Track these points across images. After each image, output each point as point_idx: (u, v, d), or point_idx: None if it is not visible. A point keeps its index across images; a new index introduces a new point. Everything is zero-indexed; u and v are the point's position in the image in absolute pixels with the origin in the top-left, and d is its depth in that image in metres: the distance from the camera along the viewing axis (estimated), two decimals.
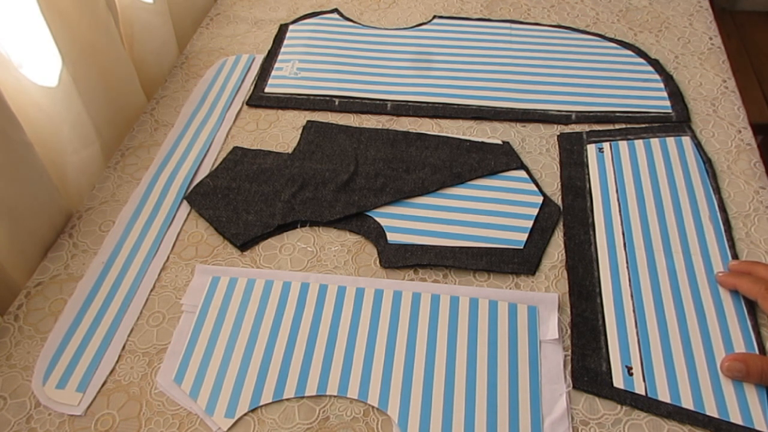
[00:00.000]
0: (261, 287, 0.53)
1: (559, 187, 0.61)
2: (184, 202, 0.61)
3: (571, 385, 0.46)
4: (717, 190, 0.59)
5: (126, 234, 0.58)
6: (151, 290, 0.54)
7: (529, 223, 0.57)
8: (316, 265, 0.55)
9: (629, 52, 0.76)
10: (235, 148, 0.66)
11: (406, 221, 0.58)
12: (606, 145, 0.64)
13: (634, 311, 0.50)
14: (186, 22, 0.87)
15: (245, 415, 0.45)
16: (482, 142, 0.65)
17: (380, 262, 0.55)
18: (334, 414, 0.45)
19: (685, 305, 0.50)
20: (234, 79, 0.75)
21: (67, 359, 0.49)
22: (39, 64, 0.55)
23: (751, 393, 0.45)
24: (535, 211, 0.58)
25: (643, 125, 0.67)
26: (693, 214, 0.57)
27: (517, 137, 0.66)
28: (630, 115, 0.68)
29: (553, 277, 0.53)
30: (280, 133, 0.68)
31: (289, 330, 0.50)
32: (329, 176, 0.62)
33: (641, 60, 0.75)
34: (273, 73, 0.76)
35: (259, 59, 0.78)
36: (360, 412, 0.45)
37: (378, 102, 0.71)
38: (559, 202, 0.59)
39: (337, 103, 0.71)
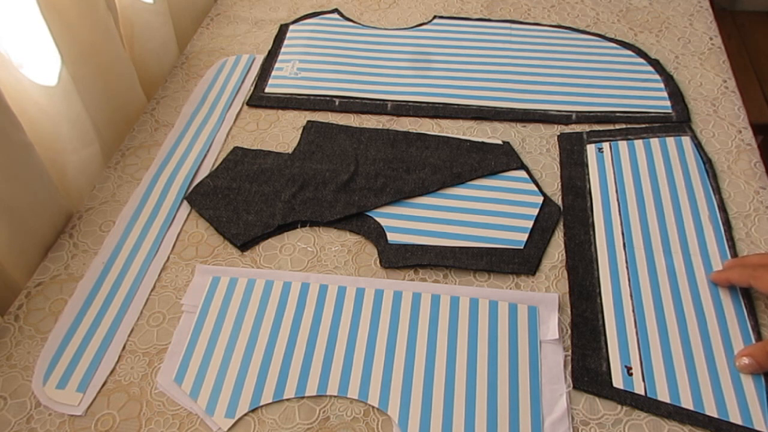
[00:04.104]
0: (261, 287, 0.53)
1: (559, 187, 0.61)
2: (185, 202, 0.61)
3: (572, 385, 0.46)
4: (717, 190, 0.59)
5: (126, 234, 0.58)
6: (152, 290, 0.54)
7: (530, 223, 0.57)
8: (316, 265, 0.55)
9: (629, 52, 0.76)
10: (236, 148, 0.66)
11: (406, 221, 0.58)
12: (606, 145, 0.64)
13: (633, 311, 0.50)
14: (186, 22, 0.87)
15: (245, 415, 0.45)
16: (482, 142, 0.65)
17: (380, 262, 0.55)
18: (334, 414, 0.45)
19: (685, 305, 0.50)
20: (234, 79, 0.75)
21: (67, 359, 0.49)
22: (39, 64, 0.55)
23: (751, 393, 0.45)
24: (535, 211, 0.58)
25: (644, 125, 0.67)
26: (693, 214, 0.57)
27: (518, 137, 0.66)
28: (630, 115, 0.68)
29: (553, 277, 0.53)
30: (281, 133, 0.68)
31: (289, 330, 0.50)
32: (329, 176, 0.62)
33: (641, 60, 0.75)
34: (273, 73, 0.76)
35: (260, 59, 0.78)
36: (360, 412, 0.46)
37: (378, 102, 0.71)
38: (559, 202, 0.59)
39: (337, 103, 0.71)
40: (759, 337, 0.48)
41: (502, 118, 0.68)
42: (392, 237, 0.56)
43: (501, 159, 0.63)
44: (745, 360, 0.46)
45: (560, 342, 0.49)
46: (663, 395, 0.45)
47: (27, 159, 0.54)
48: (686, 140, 0.64)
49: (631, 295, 0.51)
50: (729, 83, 0.71)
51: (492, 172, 0.62)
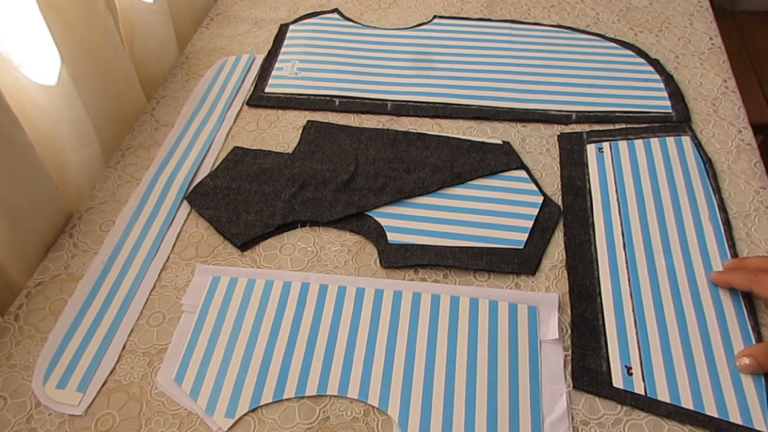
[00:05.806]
0: (261, 287, 0.53)
1: (559, 187, 0.61)
2: (185, 202, 0.61)
3: (572, 385, 0.46)
4: (717, 190, 0.59)
5: (126, 234, 0.58)
6: (152, 290, 0.54)
7: (530, 223, 0.57)
8: (316, 265, 0.55)
9: (629, 52, 0.76)
10: (236, 148, 0.66)
11: (406, 221, 0.58)
12: (606, 145, 0.64)
13: (633, 311, 0.50)
14: (186, 22, 0.87)
15: (245, 415, 0.45)
16: (482, 142, 0.65)
17: (380, 262, 0.55)
18: (334, 414, 0.45)
19: (685, 305, 0.50)
20: (234, 79, 0.75)
21: (67, 359, 0.49)
22: (39, 64, 0.55)
23: (751, 393, 0.45)
24: (535, 211, 0.58)
25: (644, 125, 0.67)
26: (693, 214, 0.57)
27: (518, 137, 0.66)
28: (630, 115, 0.68)
29: (553, 277, 0.53)
30: (281, 133, 0.68)
31: (289, 330, 0.50)
32: (329, 176, 0.62)
33: (641, 60, 0.75)
34: (273, 73, 0.76)
35: (260, 59, 0.78)
36: (360, 412, 0.46)
37: (378, 102, 0.71)
38: (559, 202, 0.59)
39: (337, 103, 0.71)
40: (759, 337, 0.48)
41: (502, 118, 0.68)
42: (392, 237, 0.56)
43: (501, 159, 0.63)
44: (746, 360, 0.46)
45: (560, 342, 0.49)
46: (663, 395, 0.45)
47: (27, 159, 0.54)
48: (686, 140, 0.64)
49: (631, 295, 0.51)
50: (729, 83, 0.71)
51: (492, 172, 0.62)
